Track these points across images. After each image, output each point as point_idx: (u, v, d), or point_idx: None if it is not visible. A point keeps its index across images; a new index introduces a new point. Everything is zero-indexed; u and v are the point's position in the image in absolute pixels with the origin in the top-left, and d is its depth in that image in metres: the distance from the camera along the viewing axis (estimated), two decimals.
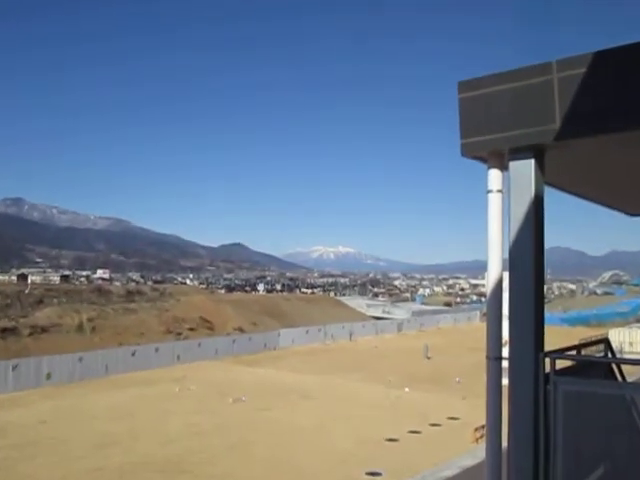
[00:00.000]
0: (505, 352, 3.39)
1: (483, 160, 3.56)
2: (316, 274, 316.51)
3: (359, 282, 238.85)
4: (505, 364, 3.42)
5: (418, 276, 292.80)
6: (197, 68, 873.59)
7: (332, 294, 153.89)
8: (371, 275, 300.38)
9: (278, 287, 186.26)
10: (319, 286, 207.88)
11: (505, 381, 3.38)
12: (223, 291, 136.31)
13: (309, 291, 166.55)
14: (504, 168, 3.52)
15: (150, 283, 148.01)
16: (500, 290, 3.56)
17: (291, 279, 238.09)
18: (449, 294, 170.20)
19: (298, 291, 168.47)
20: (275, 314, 55.81)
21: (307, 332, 43.97)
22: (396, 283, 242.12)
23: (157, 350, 33.10)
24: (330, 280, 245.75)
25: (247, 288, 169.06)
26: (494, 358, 3.48)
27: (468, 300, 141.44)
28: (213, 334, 44.41)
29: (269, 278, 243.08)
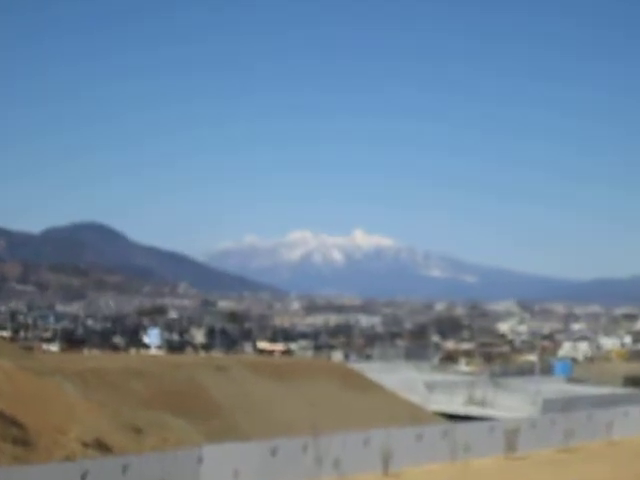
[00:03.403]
0: None
1: None
2: (297, 303, 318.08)
3: (407, 324, 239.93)
4: None
5: (560, 310, 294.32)
6: None
7: (337, 355, 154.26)
8: (439, 306, 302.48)
9: (199, 337, 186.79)
10: (302, 336, 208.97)
11: None
12: (56, 347, 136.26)
13: (278, 348, 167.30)
14: None
15: None
16: None
17: (232, 315, 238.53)
18: (639, 353, 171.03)
19: (251, 347, 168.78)
20: (191, 406, 56.14)
21: (274, 453, 44.30)
22: (504, 327, 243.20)
23: None
24: (333, 318, 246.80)
25: (117, 340, 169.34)
26: None
27: None
28: (29, 456, 44.63)
29: (174, 314, 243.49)
